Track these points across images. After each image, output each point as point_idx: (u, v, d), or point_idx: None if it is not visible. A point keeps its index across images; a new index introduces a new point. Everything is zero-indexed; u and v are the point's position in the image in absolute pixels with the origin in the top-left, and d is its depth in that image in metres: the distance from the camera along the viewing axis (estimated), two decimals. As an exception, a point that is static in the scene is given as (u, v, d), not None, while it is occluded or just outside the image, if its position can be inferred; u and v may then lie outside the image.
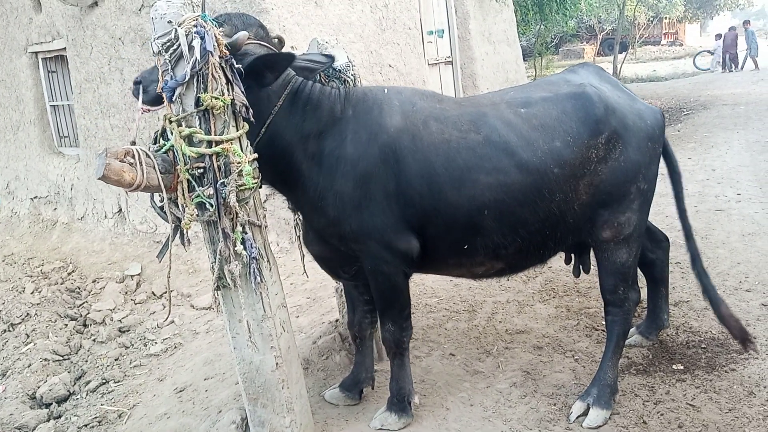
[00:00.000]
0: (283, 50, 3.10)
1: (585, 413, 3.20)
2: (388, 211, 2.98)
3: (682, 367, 3.57)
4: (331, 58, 3.18)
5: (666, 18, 35.24)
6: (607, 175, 3.17)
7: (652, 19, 33.52)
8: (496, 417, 3.26)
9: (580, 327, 4.18)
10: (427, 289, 5.14)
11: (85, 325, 5.63)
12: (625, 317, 3.35)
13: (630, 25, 28.67)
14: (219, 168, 2.58)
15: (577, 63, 3.71)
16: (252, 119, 2.73)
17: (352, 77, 3.48)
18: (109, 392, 4.36)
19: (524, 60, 14.98)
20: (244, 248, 2.66)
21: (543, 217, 3.13)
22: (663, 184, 3.59)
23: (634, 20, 29.73)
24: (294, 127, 2.99)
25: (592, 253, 3.49)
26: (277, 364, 2.90)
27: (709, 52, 25.30)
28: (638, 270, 3.71)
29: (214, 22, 2.67)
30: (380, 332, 3.25)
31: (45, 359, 4.86)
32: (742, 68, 22.71)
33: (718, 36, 23.72)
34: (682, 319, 4.14)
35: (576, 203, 3.17)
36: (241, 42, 2.72)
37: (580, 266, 3.63)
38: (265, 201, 6.38)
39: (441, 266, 3.39)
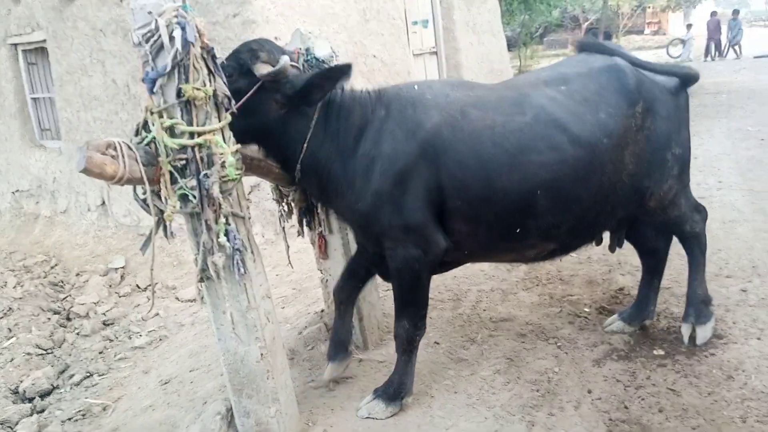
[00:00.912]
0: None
1: (693, 334, 3.60)
2: (429, 207, 2.97)
3: (663, 353, 3.62)
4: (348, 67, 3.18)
5: (649, 7, 35.43)
6: (645, 143, 3.30)
7: (635, 8, 33.68)
8: (480, 404, 3.29)
9: (563, 314, 4.22)
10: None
11: (68, 319, 5.61)
12: (698, 240, 3.71)
13: (614, 14, 28.81)
14: (202, 159, 2.57)
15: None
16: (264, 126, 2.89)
17: (335, 68, 3.49)
18: (93, 385, 4.35)
19: (509, 50, 15.01)
20: (228, 240, 2.66)
21: (595, 191, 3.16)
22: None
23: (618, 10, 29.86)
24: (331, 138, 3.03)
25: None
26: (262, 354, 2.90)
27: (680, 40, 25.41)
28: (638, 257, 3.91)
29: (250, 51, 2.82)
30: (394, 329, 3.26)
31: (28, 353, 4.84)
32: (725, 56, 22.82)
33: (689, 26, 23.79)
34: (663, 305, 4.20)
35: (624, 173, 3.24)
36: (287, 67, 2.79)
37: (616, 241, 3.74)
38: (249, 192, 6.37)
39: (492, 253, 3.44)
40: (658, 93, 3.38)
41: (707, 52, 23.25)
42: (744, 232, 5.26)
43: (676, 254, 4.92)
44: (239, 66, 2.89)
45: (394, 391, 3.26)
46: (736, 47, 22.22)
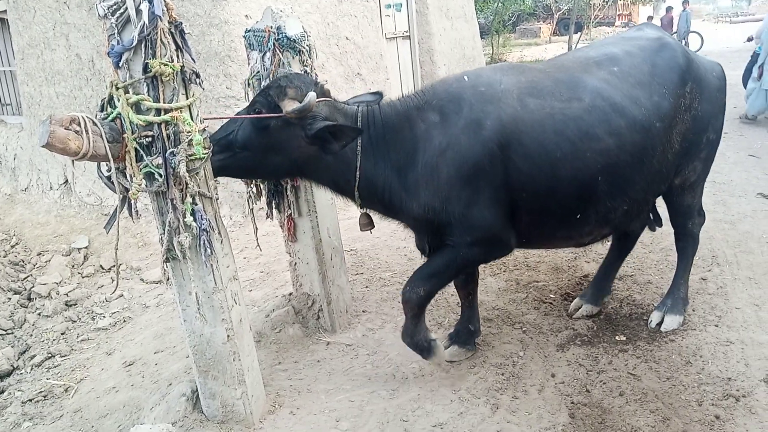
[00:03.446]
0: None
1: (661, 321, 3.74)
2: (496, 203, 2.94)
3: (624, 338, 3.70)
4: (380, 95, 3.19)
5: (620, -1, 35.80)
6: (690, 123, 3.36)
7: (607, 0, 33.97)
8: (446, 387, 3.33)
9: (529, 300, 4.28)
10: (382, 263, 5.18)
11: (29, 299, 5.48)
12: (693, 242, 3.84)
13: (586, 5, 28.98)
14: (168, 137, 2.51)
15: (633, 28, 3.90)
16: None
17: (307, 47, 3.45)
18: (55, 366, 4.27)
19: (481, 37, 15.01)
20: (194, 220, 2.62)
21: (647, 173, 3.19)
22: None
23: (590, 1, 30.07)
24: (383, 159, 2.98)
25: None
26: (228, 336, 2.88)
27: None
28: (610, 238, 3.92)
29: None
30: (406, 293, 3.18)
31: (-13, 333, 4.72)
32: None
33: (650, 18, 23.76)
34: (626, 292, 4.29)
35: (670, 153, 3.29)
36: (312, 104, 2.72)
37: (654, 220, 3.88)
38: (218, 173, 6.28)
39: (549, 241, 3.44)
40: (704, 74, 3.44)
41: None
42: (705, 223, 5.38)
43: (639, 243, 5.04)
44: (267, 102, 2.85)
45: (419, 348, 3.28)
46: (683, 41, 22.33)
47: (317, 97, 2.81)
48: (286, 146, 2.89)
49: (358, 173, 2.97)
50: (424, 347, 3.27)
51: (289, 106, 2.77)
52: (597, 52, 3.34)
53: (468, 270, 3.32)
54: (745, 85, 9.91)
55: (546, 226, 3.20)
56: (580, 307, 4.00)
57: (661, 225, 3.96)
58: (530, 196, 2.98)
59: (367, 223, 3.30)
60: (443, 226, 3.00)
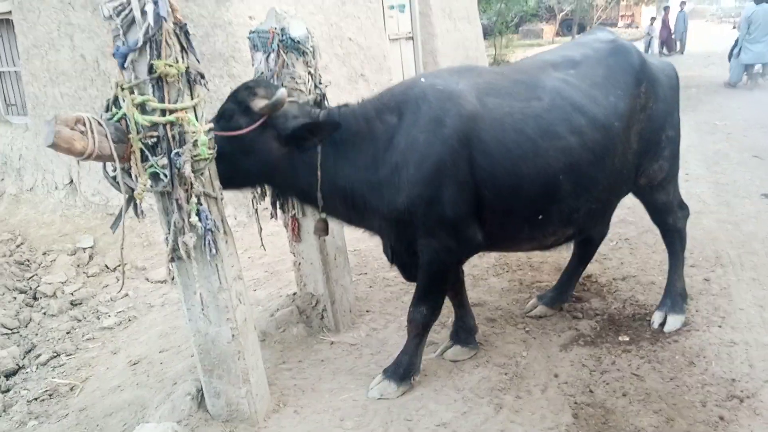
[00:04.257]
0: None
1: (664, 321, 3.75)
2: (461, 201, 2.92)
3: (627, 339, 3.71)
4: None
5: (623, 0, 35.71)
6: (646, 123, 3.40)
7: (610, 1, 33.91)
8: (449, 387, 3.33)
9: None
10: (385, 263, 5.16)
11: (35, 298, 5.51)
12: (680, 236, 3.86)
13: (588, 6, 28.98)
14: (173, 137, 2.53)
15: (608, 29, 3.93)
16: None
17: (310, 48, 3.46)
18: (60, 365, 4.29)
19: (484, 38, 15.02)
20: (199, 220, 2.63)
21: (609, 172, 3.22)
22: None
23: (593, 1, 30.05)
24: (344, 160, 2.96)
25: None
26: (233, 335, 2.89)
27: (648, 35, 25.52)
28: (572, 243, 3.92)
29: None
30: (410, 314, 3.26)
31: (-8, 332, 4.74)
32: (682, 52, 22.59)
33: (653, 19, 23.73)
34: (629, 292, 4.29)
35: (630, 153, 3.33)
36: (284, 99, 2.74)
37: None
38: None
39: (515, 242, 3.43)
40: (657, 74, 3.50)
41: (660, 47, 22.95)
42: (708, 224, 5.39)
43: (643, 244, 5.05)
44: (238, 104, 2.86)
45: (404, 371, 3.29)
46: (679, 42, 22.11)
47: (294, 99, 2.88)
48: (260, 149, 2.88)
49: (319, 173, 2.94)
50: (406, 374, 3.29)
51: (261, 104, 2.79)
52: (553, 56, 3.40)
53: (453, 269, 3.30)
54: (729, 60, 13.26)
55: (509, 227, 3.19)
56: (535, 307, 4.07)
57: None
58: (493, 195, 2.97)
59: (323, 228, 3.27)
60: (408, 228, 2.99)
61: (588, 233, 3.73)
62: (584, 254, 4.11)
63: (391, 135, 2.92)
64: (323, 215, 3.18)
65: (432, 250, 3.03)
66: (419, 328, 3.26)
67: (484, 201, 2.98)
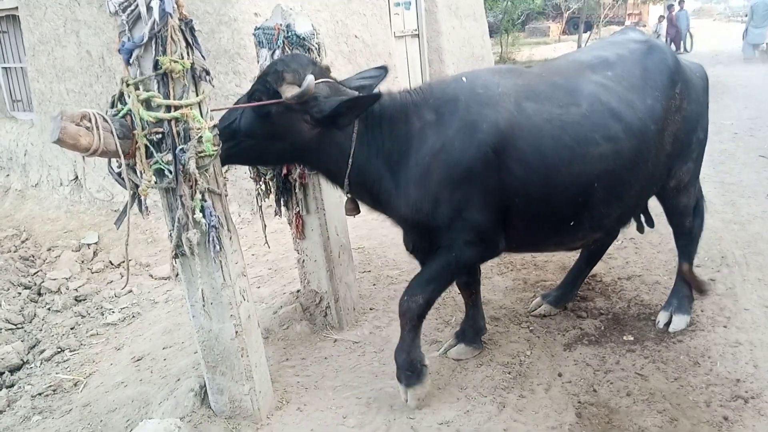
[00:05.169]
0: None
1: (669, 321, 3.74)
2: (488, 207, 2.88)
3: (632, 338, 3.69)
4: (385, 69, 3.16)
5: (631, -2, 35.61)
6: (681, 124, 3.35)
7: (617, -1, 33.80)
8: (452, 385, 3.33)
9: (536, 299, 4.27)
10: (389, 261, 5.18)
11: (39, 294, 5.53)
12: (693, 241, 3.83)
13: (595, 4, 28.85)
14: (178, 134, 2.53)
15: (621, 30, 3.89)
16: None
17: (316, 45, 3.46)
18: (64, 361, 4.30)
19: (490, 36, 14.98)
20: (203, 216, 2.63)
21: (642, 177, 3.18)
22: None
23: (600, 0, 29.93)
24: (377, 150, 2.92)
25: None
26: (236, 332, 2.90)
27: (657, 33, 25.44)
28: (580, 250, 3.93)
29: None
30: (404, 303, 3.07)
31: (-3, 328, 4.76)
32: (688, 51, 22.49)
33: (661, 18, 23.65)
34: (633, 292, 4.27)
35: (663, 155, 3.28)
36: (311, 89, 2.68)
37: (645, 221, 3.85)
38: (226, 170, 6.30)
39: (539, 246, 3.40)
40: (690, 75, 3.45)
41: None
42: (714, 223, 5.36)
43: (648, 243, 5.03)
44: (266, 89, 2.81)
45: (411, 369, 3.13)
46: (681, 41, 22.02)
47: (316, 78, 2.77)
48: (288, 131, 2.85)
49: (350, 160, 2.90)
50: (416, 368, 3.13)
51: (288, 92, 2.73)
52: (589, 56, 3.32)
53: (463, 272, 3.25)
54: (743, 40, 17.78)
55: (538, 232, 3.15)
56: (540, 306, 4.03)
57: (652, 226, 3.93)
58: (524, 202, 2.93)
59: (352, 208, 3.17)
60: (432, 228, 2.95)
61: (618, 233, 3.71)
62: (593, 255, 4.06)
63: (426, 134, 2.87)
64: (349, 195, 3.12)
65: (456, 246, 2.95)
66: (414, 320, 3.09)
67: (515, 207, 2.94)
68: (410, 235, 3.19)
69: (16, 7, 7.93)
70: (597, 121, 2.95)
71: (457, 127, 2.83)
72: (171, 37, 2.45)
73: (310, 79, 2.68)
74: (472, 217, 2.87)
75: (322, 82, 2.86)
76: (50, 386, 3.89)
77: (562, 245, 3.36)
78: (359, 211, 3.19)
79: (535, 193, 2.91)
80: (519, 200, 2.91)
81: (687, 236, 3.82)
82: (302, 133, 2.86)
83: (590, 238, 3.33)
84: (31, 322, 5.02)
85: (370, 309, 4.32)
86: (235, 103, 3.01)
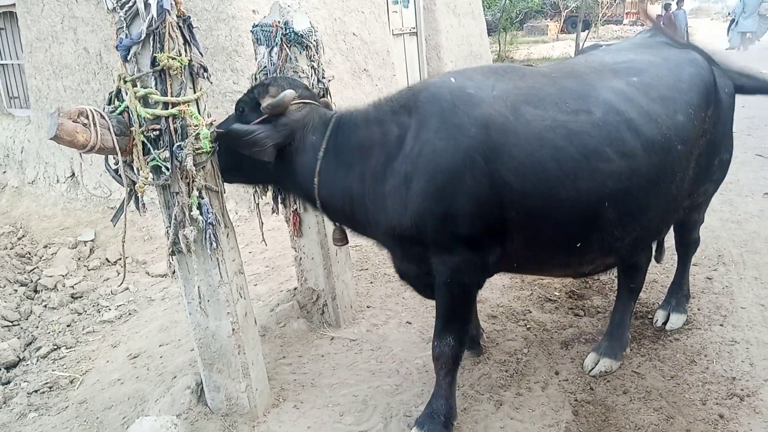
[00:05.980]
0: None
1: (666, 320, 3.77)
2: (478, 219, 2.54)
3: (629, 337, 3.69)
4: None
5: (629, -3, 35.62)
6: (705, 147, 3.03)
7: (615, -3, 33.80)
8: (449, 383, 3.33)
9: (533, 297, 4.28)
10: (386, 259, 5.17)
11: (35, 291, 5.51)
12: (696, 245, 3.85)
13: (594, 3, 28.86)
14: (175, 130, 2.53)
15: (642, 30, 3.54)
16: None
17: (314, 43, 3.45)
18: (60, 358, 4.29)
19: (489, 35, 14.98)
20: (200, 213, 2.63)
21: (663, 200, 2.80)
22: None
23: (598, -1, 29.95)
24: (347, 167, 2.71)
25: None
26: (233, 329, 2.89)
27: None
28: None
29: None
30: (435, 348, 2.84)
31: (-7, 325, 4.75)
32: None
33: (659, 17, 23.67)
34: (631, 291, 4.27)
35: (687, 179, 2.92)
36: (286, 102, 2.66)
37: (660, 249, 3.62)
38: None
39: (543, 268, 3.09)
40: (722, 96, 3.11)
41: None
42: (711, 222, 5.36)
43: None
44: (251, 100, 2.78)
45: (445, 420, 2.87)
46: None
47: (301, 98, 2.75)
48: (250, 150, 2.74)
49: (316, 179, 2.74)
50: (452, 415, 2.88)
51: (266, 102, 2.72)
52: (614, 58, 2.96)
53: (474, 292, 2.85)
54: (727, 33, 20.02)
55: (540, 251, 2.81)
56: (596, 363, 3.39)
57: (663, 255, 3.71)
58: (522, 217, 2.58)
59: (340, 238, 3.06)
60: (416, 246, 2.67)
61: (632, 261, 3.33)
62: (632, 283, 3.47)
63: (405, 140, 2.58)
64: (337, 224, 3.03)
65: (448, 270, 2.66)
66: (450, 364, 2.82)
67: (512, 222, 2.59)
68: (397, 259, 2.91)
69: (14, 4, 7.90)
70: (610, 133, 2.58)
71: (440, 129, 2.52)
72: (169, 33, 2.45)
73: (287, 93, 2.67)
74: (459, 232, 2.56)
75: (304, 102, 2.80)
76: (46, 383, 3.88)
77: (569, 267, 3.00)
78: (347, 242, 3.08)
79: (535, 207, 2.57)
80: (516, 214, 2.57)
81: (689, 245, 3.82)
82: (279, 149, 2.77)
83: (601, 262, 2.97)
84: (27, 319, 5.01)
85: (368, 307, 4.32)
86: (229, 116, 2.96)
